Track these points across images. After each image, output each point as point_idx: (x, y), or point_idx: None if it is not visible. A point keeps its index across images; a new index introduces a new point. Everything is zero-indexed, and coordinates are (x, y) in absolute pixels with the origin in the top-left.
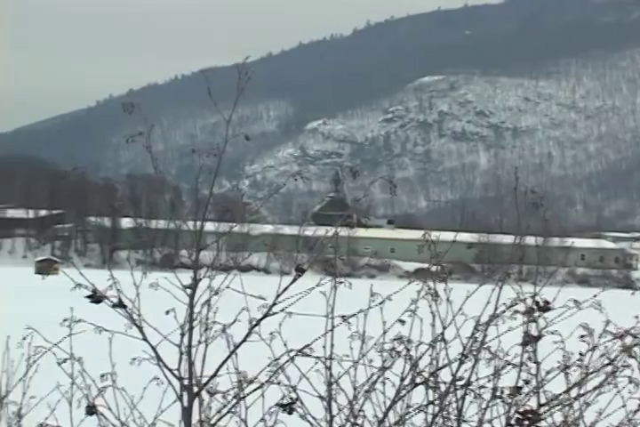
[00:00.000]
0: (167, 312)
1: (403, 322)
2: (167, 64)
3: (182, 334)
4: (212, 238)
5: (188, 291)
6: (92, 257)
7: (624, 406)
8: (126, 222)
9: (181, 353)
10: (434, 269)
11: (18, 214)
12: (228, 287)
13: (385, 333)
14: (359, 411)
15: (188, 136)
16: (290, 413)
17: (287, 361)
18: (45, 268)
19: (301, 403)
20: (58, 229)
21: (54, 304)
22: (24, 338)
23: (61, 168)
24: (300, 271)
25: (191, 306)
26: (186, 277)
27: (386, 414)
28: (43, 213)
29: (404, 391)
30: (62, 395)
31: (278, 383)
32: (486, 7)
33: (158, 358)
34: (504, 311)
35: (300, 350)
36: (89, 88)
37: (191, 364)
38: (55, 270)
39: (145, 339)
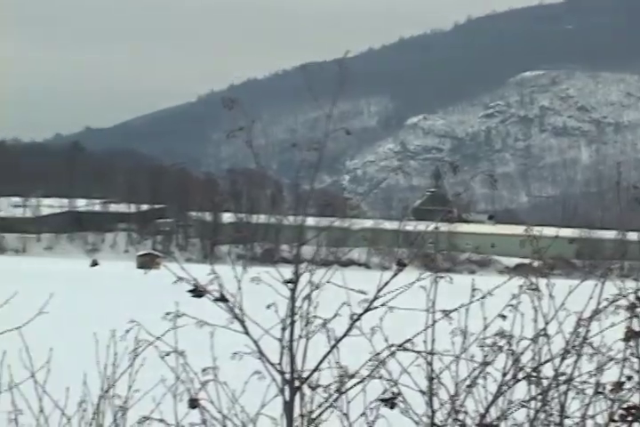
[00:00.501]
0: (268, 306)
1: (504, 317)
2: (268, 59)
3: (283, 329)
4: (312, 233)
5: (290, 285)
6: (192, 252)
7: None
8: (227, 217)
9: (283, 347)
10: (536, 264)
11: (120, 209)
12: (328, 282)
13: (486, 327)
14: (460, 406)
15: (288, 131)
16: (391, 407)
17: (388, 356)
18: (147, 262)
19: (403, 398)
20: (159, 223)
21: (156, 298)
22: (127, 331)
23: (162, 163)
24: (402, 266)
25: (292, 300)
26: (287, 271)
27: (487, 410)
28: (144, 207)
29: (505, 387)
30: (167, 389)
31: (380, 378)
32: (587, 1)
33: (260, 352)
34: (606, 307)
35: (400, 345)
36: (191, 83)
37: (292, 358)
38: (157, 265)
39: (247, 333)
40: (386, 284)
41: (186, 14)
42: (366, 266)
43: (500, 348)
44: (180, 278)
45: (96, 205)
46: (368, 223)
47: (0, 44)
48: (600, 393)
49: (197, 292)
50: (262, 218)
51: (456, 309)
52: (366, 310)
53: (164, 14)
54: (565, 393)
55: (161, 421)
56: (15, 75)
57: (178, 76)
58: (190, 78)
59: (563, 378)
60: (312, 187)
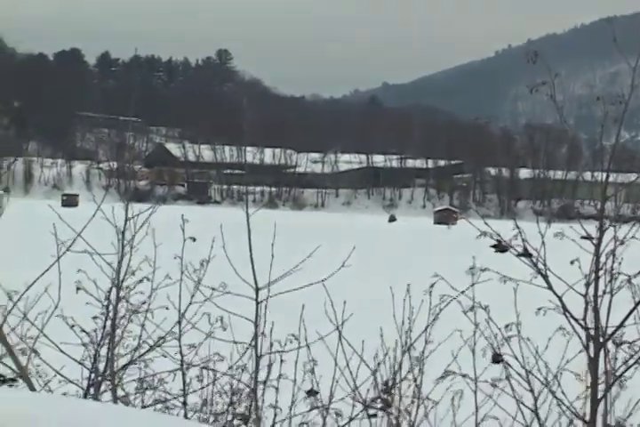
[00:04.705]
0: (571, 262)
1: None
2: (567, 13)
3: (587, 284)
4: (611, 189)
5: (594, 241)
6: (489, 207)
7: None
8: (524, 173)
9: (587, 303)
10: None
11: (417, 164)
12: (633, 237)
13: None
14: None
15: (586, 86)
16: None
17: None
18: (444, 218)
19: None
20: (456, 179)
21: (457, 253)
22: (432, 286)
23: (459, 119)
24: None
25: (597, 256)
26: (589, 227)
27: None
28: (441, 163)
29: None
30: (465, 342)
31: None
32: None
33: (564, 307)
34: None
35: None
36: (488, 39)
37: (597, 314)
38: (454, 220)
39: (550, 288)
40: None
41: None
42: None
43: None
44: (484, 233)
45: (393, 161)
46: None
47: (300, 6)
48: None
49: (501, 247)
50: (559, 174)
51: None
52: None
53: None
54: None
55: (464, 376)
56: (315, 32)
57: (476, 32)
58: (488, 34)
59: None
60: (617, 141)
